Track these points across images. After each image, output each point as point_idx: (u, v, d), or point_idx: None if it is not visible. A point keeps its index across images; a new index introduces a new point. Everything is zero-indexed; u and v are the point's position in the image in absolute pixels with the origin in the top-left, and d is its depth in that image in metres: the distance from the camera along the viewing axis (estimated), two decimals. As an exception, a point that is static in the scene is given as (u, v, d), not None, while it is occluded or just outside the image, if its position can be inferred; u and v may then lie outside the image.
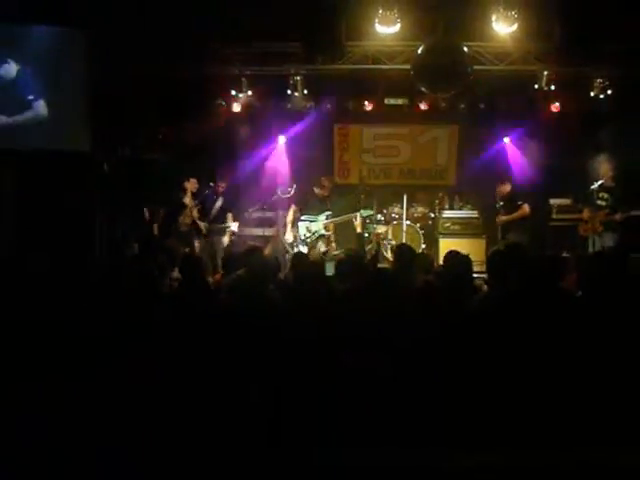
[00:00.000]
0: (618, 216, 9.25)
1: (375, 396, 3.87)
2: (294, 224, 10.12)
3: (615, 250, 8.42)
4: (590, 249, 9.38)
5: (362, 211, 9.96)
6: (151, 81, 9.51)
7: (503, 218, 10.04)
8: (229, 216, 10.14)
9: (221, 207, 10.09)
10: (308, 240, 9.94)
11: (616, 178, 9.53)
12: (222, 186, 10.11)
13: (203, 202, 9.99)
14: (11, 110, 8.93)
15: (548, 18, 9.18)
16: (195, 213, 9.92)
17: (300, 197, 10.26)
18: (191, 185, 9.99)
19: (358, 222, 9.86)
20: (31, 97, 8.96)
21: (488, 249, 9.53)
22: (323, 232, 9.98)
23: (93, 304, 4.79)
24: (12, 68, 8.88)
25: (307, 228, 10.00)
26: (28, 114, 8.96)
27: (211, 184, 10.09)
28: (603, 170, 9.64)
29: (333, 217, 10.09)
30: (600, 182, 9.51)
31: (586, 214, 9.68)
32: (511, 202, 10.00)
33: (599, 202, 9.53)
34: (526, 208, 9.88)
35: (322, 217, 10.03)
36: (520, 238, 9.65)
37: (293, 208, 10.19)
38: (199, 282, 5.64)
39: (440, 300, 4.89)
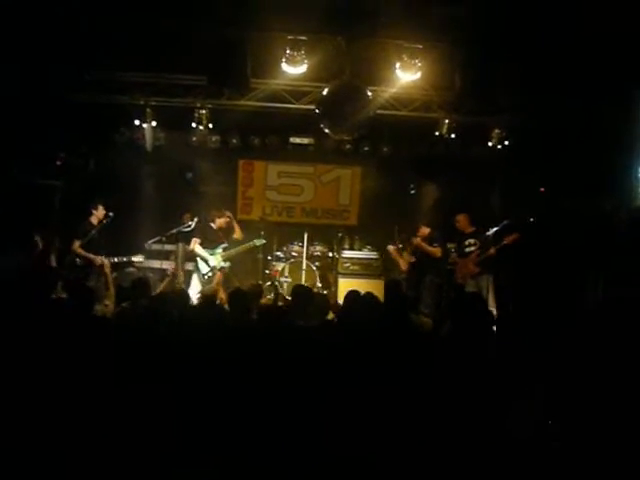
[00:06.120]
0: (492, 250, 9.56)
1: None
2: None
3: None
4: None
5: (256, 240, 10.01)
6: (50, 104, 9.23)
7: (417, 240, 10.23)
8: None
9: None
10: (208, 276, 9.66)
11: (474, 223, 9.96)
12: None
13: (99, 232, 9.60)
14: None
15: (449, 69, 9.46)
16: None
17: (199, 231, 9.91)
18: (99, 213, 9.48)
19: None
20: None
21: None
22: (222, 264, 9.74)
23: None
24: None
25: (206, 262, 9.72)
26: None
27: (110, 214, 9.72)
28: (461, 222, 10.02)
29: (229, 249, 9.87)
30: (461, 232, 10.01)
31: (458, 261, 9.98)
32: (429, 243, 10.23)
33: (467, 250, 9.89)
34: (438, 251, 10.14)
35: (219, 250, 9.78)
36: (433, 278, 10.09)
37: (196, 241, 9.75)
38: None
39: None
